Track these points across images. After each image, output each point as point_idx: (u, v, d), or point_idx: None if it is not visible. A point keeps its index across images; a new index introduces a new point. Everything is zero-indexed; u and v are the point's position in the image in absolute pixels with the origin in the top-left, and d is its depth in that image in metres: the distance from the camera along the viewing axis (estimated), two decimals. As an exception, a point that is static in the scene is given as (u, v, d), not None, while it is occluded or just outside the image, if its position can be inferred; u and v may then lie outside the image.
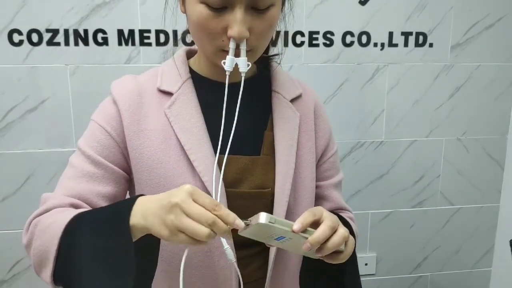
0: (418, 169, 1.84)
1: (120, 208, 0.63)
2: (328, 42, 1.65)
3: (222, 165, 0.72)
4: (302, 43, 1.64)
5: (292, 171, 0.79)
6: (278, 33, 0.87)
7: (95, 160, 0.75)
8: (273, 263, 0.80)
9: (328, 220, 0.64)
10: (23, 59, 1.50)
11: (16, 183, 1.59)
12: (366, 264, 1.90)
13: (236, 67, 0.70)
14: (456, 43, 1.73)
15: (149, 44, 1.55)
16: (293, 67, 1.65)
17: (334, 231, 0.64)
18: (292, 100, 0.84)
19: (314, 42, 1.65)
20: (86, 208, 0.73)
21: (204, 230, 0.56)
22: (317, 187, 0.87)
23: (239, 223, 0.59)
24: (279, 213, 0.78)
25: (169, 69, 0.81)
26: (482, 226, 1.96)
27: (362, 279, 1.93)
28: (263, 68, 0.87)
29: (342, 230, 0.65)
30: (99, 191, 0.75)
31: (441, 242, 1.95)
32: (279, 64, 0.88)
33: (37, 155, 1.58)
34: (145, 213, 0.60)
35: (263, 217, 0.59)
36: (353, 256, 0.77)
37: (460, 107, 1.80)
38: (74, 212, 0.67)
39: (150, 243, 0.64)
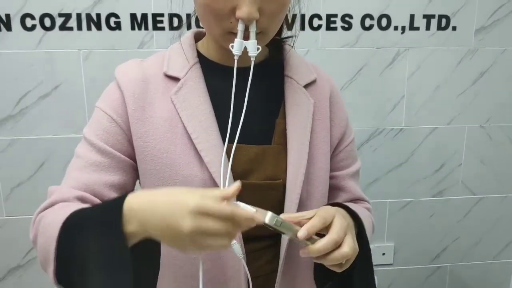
0: (439, 158, 1.79)
1: (110, 213, 0.57)
2: (346, 26, 1.60)
3: (230, 155, 0.69)
4: (319, 26, 1.59)
5: (305, 162, 0.74)
6: (294, 16, 0.81)
7: (101, 149, 0.72)
8: (284, 257, 0.76)
9: (335, 232, 0.60)
10: (36, 44, 1.48)
11: (30, 169, 1.59)
12: (383, 254, 1.86)
13: (245, 50, 0.66)
14: (481, 26, 1.65)
15: (162, 29, 1.52)
16: (309, 52, 1.60)
17: (337, 245, 0.61)
18: (306, 86, 0.79)
19: (331, 25, 1.59)
20: (93, 200, 0.69)
21: (226, 243, 0.53)
22: (333, 177, 0.83)
23: (258, 218, 0.54)
24: (291, 206, 0.73)
25: (176, 53, 0.77)
26: (505, 217, 1.90)
27: (379, 269, 1.90)
28: (275, 51, 0.82)
29: (346, 249, 0.61)
30: (106, 180, 0.71)
31: (461, 232, 1.89)
32: (292, 47, 0.83)
33: (52, 141, 1.57)
34: (145, 224, 0.54)
35: (269, 217, 0.56)
36: (366, 254, 0.73)
37: (484, 93, 1.73)
38: (73, 209, 0.62)
39: (150, 245, 0.59)
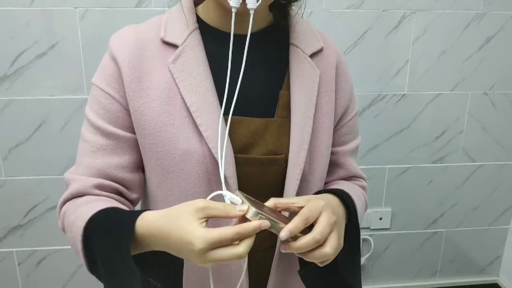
0: (441, 124, 1.77)
1: (120, 242, 0.59)
2: (352, -14, 1.54)
3: (230, 128, 0.66)
4: (324, -13, 1.54)
5: (309, 136, 0.72)
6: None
7: (106, 131, 0.70)
8: None
9: (318, 232, 0.58)
10: (30, 2, 1.43)
11: (28, 130, 1.57)
12: (380, 219, 1.88)
13: (244, 8, 0.61)
14: (491, -12, 1.60)
15: (161, -14, 1.47)
16: (313, 13, 1.55)
17: (319, 244, 0.59)
18: (312, 55, 0.75)
19: (337, -14, 1.54)
20: (110, 185, 0.71)
21: (242, 251, 0.53)
22: (333, 153, 0.80)
23: (265, 225, 0.54)
24: (292, 182, 0.71)
25: (174, 17, 0.72)
26: (503, 185, 1.90)
27: (376, 233, 1.92)
28: (280, 17, 0.77)
29: (327, 249, 0.59)
30: (116, 163, 0.71)
31: (459, 199, 1.90)
32: (297, 13, 0.78)
33: (49, 101, 1.54)
34: (158, 245, 0.58)
35: (251, 213, 0.54)
36: (355, 240, 0.72)
37: (490, 59, 1.69)
38: (91, 212, 0.63)
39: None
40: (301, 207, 0.60)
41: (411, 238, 1.95)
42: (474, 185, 1.89)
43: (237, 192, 0.58)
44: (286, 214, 0.67)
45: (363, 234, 1.87)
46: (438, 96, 1.72)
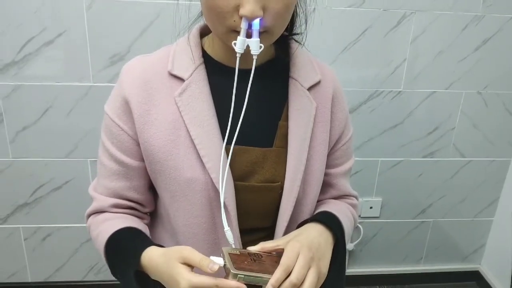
0: (434, 121, 1.83)
1: (130, 268, 0.71)
2: (354, -15, 1.57)
3: (232, 157, 0.72)
4: (327, -16, 1.56)
5: (304, 166, 0.77)
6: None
7: (117, 159, 0.77)
8: None
9: (294, 276, 0.63)
10: (38, -10, 1.46)
11: (35, 114, 1.63)
12: (371, 208, 1.97)
13: (248, 49, 0.65)
14: (491, -9, 1.62)
15: (167, -21, 1.49)
16: (315, 11, 1.57)
17: (297, 286, 0.64)
18: (309, 88, 0.79)
19: (339, -16, 1.56)
20: (124, 204, 0.81)
21: None
22: (326, 174, 0.85)
23: (242, 286, 0.61)
24: (287, 207, 0.77)
25: (181, 50, 0.77)
26: (490, 179, 1.98)
27: (366, 220, 2.01)
28: (282, 50, 0.81)
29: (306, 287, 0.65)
30: (128, 186, 0.80)
31: (447, 191, 1.99)
32: (300, 44, 0.82)
33: (55, 88, 1.59)
34: (156, 277, 0.69)
35: (231, 275, 0.61)
36: (339, 269, 0.78)
37: (485, 60, 1.74)
38: (111, 231, 0.76)
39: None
40: (283, 249, 0.66)
41: (399, 227, 2.04)
42: (462, 179, 1.96)
43: (222, 249, 0.65)
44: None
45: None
46: (433, 94, 1.77)
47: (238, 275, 0.61)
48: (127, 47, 1.56)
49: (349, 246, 2.01)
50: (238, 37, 0.64)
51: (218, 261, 0.63)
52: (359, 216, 1.97)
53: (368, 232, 2.03)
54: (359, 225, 1.99)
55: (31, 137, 1.65)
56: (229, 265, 0.62)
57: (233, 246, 0.70)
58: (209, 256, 0.63)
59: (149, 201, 0.84)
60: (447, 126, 1.85)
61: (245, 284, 0.61)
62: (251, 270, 0.63)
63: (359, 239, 2.01)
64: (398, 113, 1.80)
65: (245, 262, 0.64)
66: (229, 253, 0.65)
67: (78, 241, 1.84)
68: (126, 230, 0.76)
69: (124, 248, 0.73)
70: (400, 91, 1.75)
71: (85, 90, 1.60)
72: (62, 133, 1.66)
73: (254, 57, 0.66)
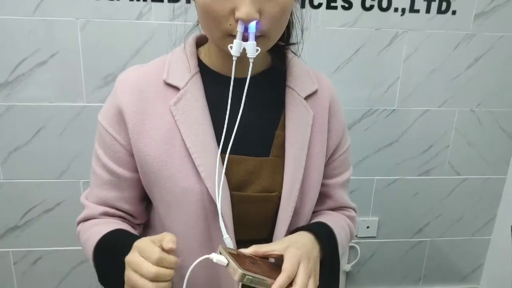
0: (428, 139, 1.83)
1: (117, 264, 0.68)
2: (347, 5, 1.58)
3: (228, 166, 0.71)
4: (320, 4, 1.58)
5: (301, 176, 0.76)
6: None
7: (109, 169, 0.77)
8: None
9: (299, 285, 0.63)
10: (32, 11, 1.46)
11: (27, 135, 1.61)
12: (367, 227, 1.95)
13: (244, 54, 0.65)
14: (481, 11, 1.65)
15: (161, 0, 1.50)
16: (308, 30, 1.59)
17: None
18: (306, 97, 0.79)
19: (332, 4, 1.58)
20: (113, 213, 0.80)
21: (148, 285, 0.59)
22: (324, 185, 0.85)
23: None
24: (285, 218, 0.76)
25: (177, 59, 0.76)
26: (487, 197, 1.97)
27: (362, 241, 1.99)
28: (278, 60, 0.81)
29: None
30: (119, 196, 0.79)
31: (444, 209, 1.97)
32: (294, 56, 0.82)
33: (48, 108, 1.58)
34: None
35: (238, 276, 0.59)
36: (333, 272, 0.77)
37: (478, 78, 1.75)
38: (97, 237, 0.74)
39: None
40: (280, 255, 0.65)
41: (396, 246, 2.02)
42: (458, 197, 1.95)
43: (220, 248, 0.63)
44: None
45: (350, 242, 1.93)
46: (427, 112, 1.78)
47: (247, 276, 0.59)
48: (121, 67, 1.56)
49: (346, 267, 1.98)
50: (235, 40, 0.64)
51: (221, 259, 0.61)
52: (356, 236, 1.94)
53: (366, 253, 2.00)
54: (356, 246, 1.96)
55: (23, 158, 1.63)
56: (235, 264, 0.60)
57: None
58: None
59: (140, 212, 0.82)
60: (441, 144, 1.85)
61: (247, 286, 0.60)
62: (255, 272, 0.61)
63: (356, 260, 1.98)
64: (393, 131, 1.80)
65: (246, 264, 0.62)
66: (229, 253, 0.63)
67: (69, 265, 1.79)
68: (117, 231, 0.74)
69: (114, 246, 0.71)
70: (394, 109, 1.76)
71: (78, 111, 1.59)
72: (53, 154, 1.64)
73: (251, 60, 0.66)
